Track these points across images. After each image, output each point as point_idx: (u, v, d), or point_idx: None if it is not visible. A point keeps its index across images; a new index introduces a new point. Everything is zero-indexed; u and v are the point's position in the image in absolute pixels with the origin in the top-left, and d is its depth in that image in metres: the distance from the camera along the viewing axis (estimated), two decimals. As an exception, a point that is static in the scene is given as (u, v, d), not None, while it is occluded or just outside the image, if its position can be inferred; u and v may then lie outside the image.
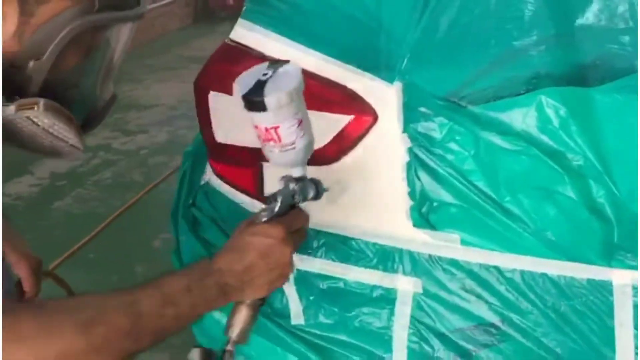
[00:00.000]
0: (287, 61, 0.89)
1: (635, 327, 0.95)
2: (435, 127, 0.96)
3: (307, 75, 1.00)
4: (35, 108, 0.85)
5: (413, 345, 1.08)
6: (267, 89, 0.85)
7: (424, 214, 1.02)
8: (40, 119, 0.86)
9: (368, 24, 1.03)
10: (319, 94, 1.05)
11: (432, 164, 0.98)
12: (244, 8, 1.19)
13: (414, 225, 1.04)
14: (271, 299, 1.18)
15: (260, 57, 1.11)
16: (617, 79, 0.85)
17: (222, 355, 0.94)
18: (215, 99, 1.17)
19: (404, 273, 1.08)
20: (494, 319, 1.04)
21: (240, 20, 1.17)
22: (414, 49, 0.97)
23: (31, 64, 0.85)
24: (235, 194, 1.21)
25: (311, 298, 1.15)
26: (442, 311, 1.06)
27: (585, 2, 0.88)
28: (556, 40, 0.88)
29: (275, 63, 0.89)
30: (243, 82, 0.87)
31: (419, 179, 1.00)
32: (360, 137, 1.04)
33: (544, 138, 0.87)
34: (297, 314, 1.16)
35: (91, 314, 0.77)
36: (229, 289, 0.89)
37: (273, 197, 0.93)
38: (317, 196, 0.96)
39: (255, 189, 1.18)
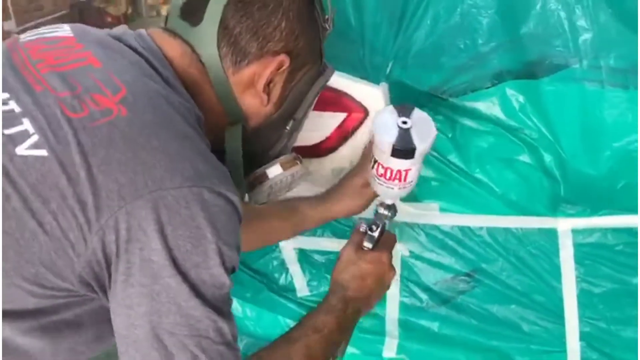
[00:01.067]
0: (412, 106, 0.99)
1: (576, 262, 1.24)
2: (418, 118, 1.20)
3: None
4: (299, 162, 0.99)
5: (405, 299, 1.31)
6: (415, 138, 0.95)
7: (410, 189, 1.26)
8: (299, 172, 1.00)
9: (353, 37, 1.26)
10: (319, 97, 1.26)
11: (416, 147, 1.22)
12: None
13: (400, 199, 1.27)
14: (277, 278, 1.37)
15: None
16: (556, 72, 1.13)
17: None
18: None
19: (393, 241, 1.30)
20: (468, 270, 1.29)
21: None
22: (396, 57, 1.21)
23: (290, 123, 0.95)
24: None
25: (313, 272, 1.35)
26: (426, 268, 1.30)
27: (526, 15, 1.15)
28: (510, 44, 1.15)
29: (404, 108, 0.97)
30: (383, 128, 0.95)
31: (405, 160, 1.23)
32: (354, 130, 1.26)
33: (507, 119, 1.14)
34: (302, 287, 1.36)
35: None
36: (361, 312, 1.08)
37: (373, 224, 1.07)
38: (394, 216, 1.11)
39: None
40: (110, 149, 0.69)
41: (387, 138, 0.94)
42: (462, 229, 1.26)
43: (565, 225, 1.22)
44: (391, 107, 1.00)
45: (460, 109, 1.16)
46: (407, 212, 1.28)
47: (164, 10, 8.28)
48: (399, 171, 0.98)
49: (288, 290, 1.36)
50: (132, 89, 0.75)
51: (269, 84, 0.88)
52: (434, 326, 1.31)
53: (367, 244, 1.07)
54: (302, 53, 0.90)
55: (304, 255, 1.35)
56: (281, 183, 0.98)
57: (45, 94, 0.74)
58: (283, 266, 1.36)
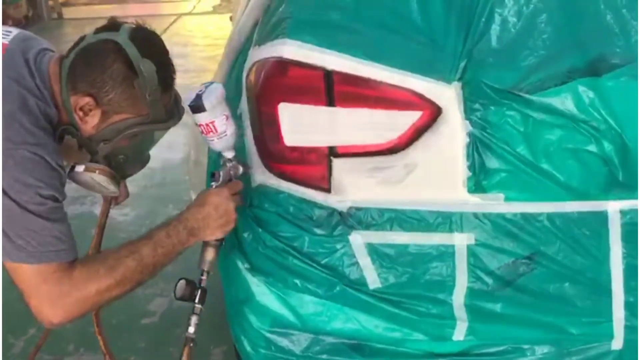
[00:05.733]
0: (212, 82, 1.39)
1: (623, 241, 1.38)
2: (492, 113, 1.30)
3: (381, 83, 1.29)
4: (96, 172, 1.39)
5: (471, 284, 1.40)
6: (204, 96, 1.34)
7: (479, 181, 1.35)
8: (95, 178, 1.39)
9: (421, 40, 1.33)
10: (393, 97, 1.32)
11: (488, 141, 1.31)
12: (292, 31, 1.38)
13: (469, 192, 1.36)
14: (347, 272, 1.41)
15: (322, 70, 1.34)
16: (615, 69, 1.26)
17: (200, 282, 1.43)
18: (285, 108, 1.36)
19: (459, 231, 1.39)
20: (528, 253, 1.40)
21: (294, 42, 1.37)
22: (468, 57, 1.29)
23: (101, 144, 1.36)
24: (305, 191, 1.41)
25: (384, 265, 1.40)
26: (490, 254, 1.39)
27: (586, 17, 1.28)
28: (574, 45, 1.27)
29: (206, 83, 1.38)
30: (187, 99, 1.36)
31: (478, 154, 1.32)
32: (426, 128, 1.33)
33: (578, 113, 1.26)
34: (374, 280, 1.41)
35: (112, 262, 1.26)
36: (194, 231, 1.36)
37: (217, 173, 1.42)
38: (246, 173, 1.46)
39: (326, 183, 1.40)
40: None
41: (186, 103, 1.36)
42: (524, 215, 1.37)
43: (614, 207, 1.36)
44: (200, 85, 1.38)
45: (534, 104, 1.27)
46: (473, 203, 1.37)
47: (65, 13, 7.91)
48: (207, 124, 1.36)
49: (361, 284, 1.41)
50: (4, 90, 1.22)
51: (83, 111, 1.31)
52: (497, 307, 1.41)
53: (212, 186, 1.41)
54: (112, 103, 1.31)
55: (373, 249, 1.40)
56: (84, 177, 1.39)
57: None
58: (352, 261, 1.41)
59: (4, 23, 6.32)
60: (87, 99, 1.30)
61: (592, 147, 1.29)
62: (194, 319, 1.41)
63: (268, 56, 1.41)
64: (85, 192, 3.45)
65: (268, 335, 1.47)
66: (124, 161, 1.42)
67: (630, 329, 1.42)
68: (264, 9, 1.56)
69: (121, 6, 8.54)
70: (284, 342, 1.47)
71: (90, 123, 1.33)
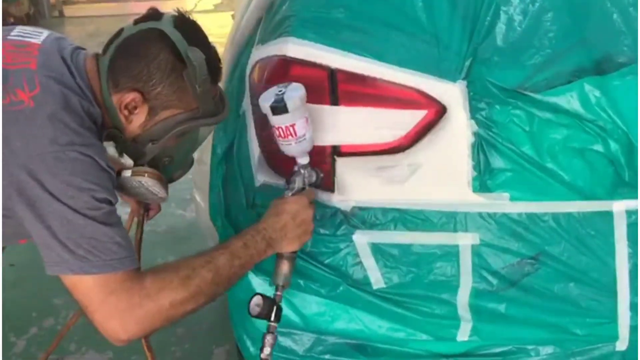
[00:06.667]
0: (291, 82, 1.27)
1: (628, 241, 1.37)
2: (497, 112, 1.29)
3: (385, 81, 1.28)
4: (146, 175, 1.30)
5: (476, 284, 1.39)
6: (286, 97, 1.22)
7: (484, 181, 1.34)
8: (144, 182, 1.31)
9: (426, 39, 1.32)
10: (397, 96, 1.31)
11: (493, 141, 1.30)
12: (296, 30, 1.37)
13: (474, 191, 1.35)
14: (351, 272, 1.41)
15: (326, 69, 1.33)
16: (622, 68, 1.25)
17: (275, 297, 1.31)
18: (289, 107, 1.35)
19: (464, 230, 1.38)
20: (533, 253, 1.39)
21: (297, 40, 1.36)
22: (474, 56, 1.28)
23: (149, 145, 1.27)
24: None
25: (388, 264, 1.40)
26: (495, 254, 1.38)
27: (591, 16, 1.27)
28: (580, 44, 1.26)
29: (283, 84, 1.26)
30: (266, 99, 1.25)
31: (483, 153, 1.31)
32: (431, 127, 1.32)
33: (585, 112, 1.25)
34: (377, 280, 1.40)
35: (187, 272, 1.15)
36: (272, 242, 1.27)
37: (292, 180, 1.33)
38: (317, 180, 1.36)
39: (330, 182, 1.39)
40: (13, 127, 1.08)
41: (266, 103, 1.23)
42: (529, 215, 1.36)
43: (620, 207, 1.35)
44: (276, 86, 1.26)
45: (540, 103, 1.26)
46: (478, 202, 1.36)
47: (66, 11, 7.91)
48: (287, 127, 1.25)
49: (365, 284, 1.40)
50: (44, 89, 1.13)
51: (128, 109, 1.22)
52: (502, 307, 1.40)
53: (288, 194, 1.32)
54: (160, 97, 1.22)
55: (377, 249, 1.39)
56: (132, 183, 1.32)
57: None
58: (356, 260, 1.40)
59: (4, 21, 6.33)
60: (133, 95, 1.20)
61: (598, 147, 1.28)
62: (269, 339, 1.30)
63: (272, 54, 1.40)
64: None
65: (271, 335, 1.46)
66: (169, 163, 1.34)
67: (635, 330, 1.41)
68: (268, 7, 1.55)
69: (122, 4, 8.53)
70: (286, 341, 1.46)
71: (137, 122, 1.24)
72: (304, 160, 1.33)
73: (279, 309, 1.30)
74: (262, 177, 1.47)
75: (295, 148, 1.29)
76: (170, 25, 1.22)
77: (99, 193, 1.11)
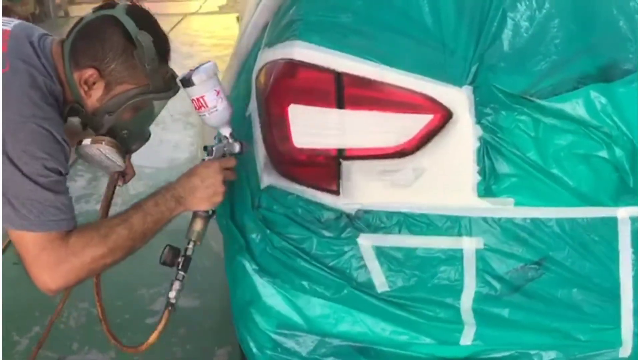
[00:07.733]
0: (209, 61, 1.43)
1: (632, 247, 1.37)
2: (503, 118, 1.29)
3: (391, 86, 1.28)
4: (103, 143, 1.44)
5: (480, 289, 1.40)
6: (194, 72, 1.39)
7: (489, 186, 1.34)
8: (102, 149, 1.44)
9: (431, 43, 1.32)
10: (403, 100, 1.32)
11: (498, 146, 1.31)
12: (303, 33, 1.38)
13: (479, 196, 1.36)
14: (355, 275, 1.41)
15: (332, 73, 1.34)
16: (628, 75, 1.26)
17: (185, 250, 1.49)
18: (295, 110, 1.36)
19: (468, 235, 1.38)
20: (537, 258, 1.39)
21: (304, 44, 1.36)
22: (480, 61, 1.29)
23: (106, 117, 1.43)
24: (313, 193, 1.41)
25: (392, 268, 1.40)
26: (499, 259, 1.38)
27: (597, 23, 1.28)
28: (585, 51, 1.27)
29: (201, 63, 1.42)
30: (180, 77, 1.41)
31: (488, 158, 1.32)
32: (437, 132, 1.33)
33: (590, 119, 1.25)
34: (381, 283, 1.40)
35: (105, 230, 1.33)
36: (182, 200, 1.42)
37: (211, 148, 1.48)
38: (241, 152, 1.48)
39: (335, 185, 1.39)
40: None
41: (178, 78, 1.42)
42: (533, 220, 1.37)
43: (624, 214, 1.36)
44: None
45: (545, 109, 1.26)
46: (483, 207, 1.37)
47: (71, 11, 7.92)
48: (198, 99, 1.41)
49: (369, 287, 1.40)
50: (14, 68, 1.30)
51: (87, 84, 1.39)
52: (505, 312, 1.41)
53: (205, 157, 1.47)
54: (114, 73, 1.39)
55: (381, 252, 1.40)
56: (92, 150, 1.44)
57: None
58: (360, 263, 1.41)
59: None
60: (90, 71, 1.38)
61: (603, 153, 1.28)
62: (176, 285, 1.47)
63: (278, 58, 1.40)
64: (90, 191, 3.48)
65: (274, 336, 1.47)
66: (127, 136, 1.49)
67: (638, 336, 1.41)
68: (275, 11, 1.56)
69: (127, 5, 8.53)
70: (290, 343, 1.46)
71: (95, 96, 1.40)
72: (224, 131, 1.47)
73: (187, 260, 1.47)
74: (268, 179, 1.47)
75: (210, 119, 1.43)
76: (123, 12, 1.40)
77: (50, 162, 1.27)
